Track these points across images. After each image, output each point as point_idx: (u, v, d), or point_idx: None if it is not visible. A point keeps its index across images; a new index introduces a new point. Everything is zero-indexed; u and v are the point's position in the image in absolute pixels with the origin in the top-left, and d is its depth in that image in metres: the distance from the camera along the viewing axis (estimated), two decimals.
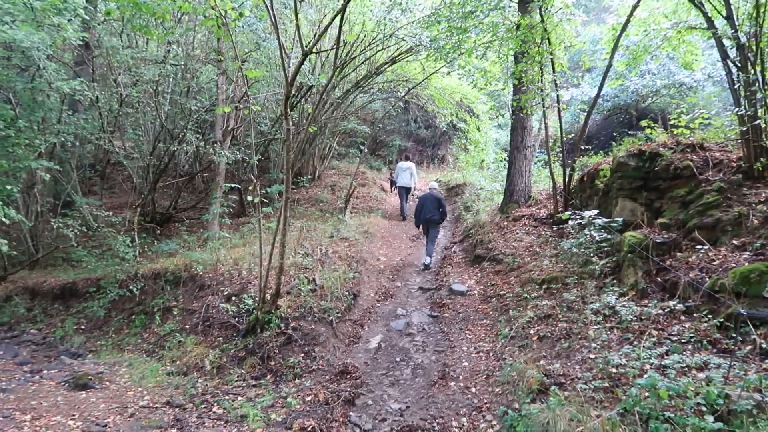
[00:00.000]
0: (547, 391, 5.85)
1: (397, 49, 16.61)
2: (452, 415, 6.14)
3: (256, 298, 8.61)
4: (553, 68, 11.65)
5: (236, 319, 8.64)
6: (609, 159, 11.18)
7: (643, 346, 6.01)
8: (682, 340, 6.01)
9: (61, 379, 7.64)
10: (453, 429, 5.85)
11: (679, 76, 19.60)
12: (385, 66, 17.22)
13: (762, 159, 7.59)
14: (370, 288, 10.27)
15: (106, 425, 6.02)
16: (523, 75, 11.97)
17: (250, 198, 8.28)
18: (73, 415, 6.22)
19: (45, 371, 8.06)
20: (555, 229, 11.45)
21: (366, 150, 21.73)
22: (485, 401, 6.34)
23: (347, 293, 9.41)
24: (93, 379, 7.49)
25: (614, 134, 15.89)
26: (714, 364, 5.40)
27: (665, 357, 5.72)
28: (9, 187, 10.41)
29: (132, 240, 12.50)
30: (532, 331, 7.49)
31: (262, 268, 8.27)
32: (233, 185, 14.28)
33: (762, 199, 7.27)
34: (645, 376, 5.26)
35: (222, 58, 13.55)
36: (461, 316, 8.96)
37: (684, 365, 5.47)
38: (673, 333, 6.15)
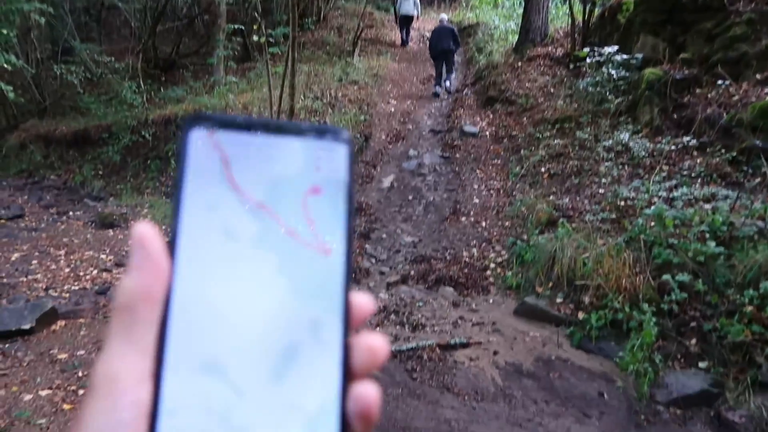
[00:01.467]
0: (556, 224, 6.06)
1: None
2: (463, 246, 6.43)
3: None
4: None
5: None
6: None
7: (653, 181, 6.10)
8: (693, 175, 6.08)
9: (87, 219, 7.98)
10: (464, 258, 6.16)
11: None
12: None
13: None
14: (381, 130, 10.24)
15: None
16: None
17: (255, 38, 7.99)
18: (104, 250, 6.58)
19: (71, 213, 8.40)
20: (571, 68, 11.07)
21: None
22: (495, 234, 6.61)
23: (359, 136, 9.41)
24: (117, 219, 7.81)
25: None
26: (721, 195, 5.51)
27: (674, 190, 5.82)
28: (5, 32, 10.05)
29: (138, 86, 12.30)
30: (543, 169, 7.58)
31: (272, 112, 8.20)
32: (236, 26, 13.67)
33: None
34: (652, 207, 5.41)
35: None
36: (472, 157, 9.02)
37: (692, 197, 5.59)
38: (684, 168, 6.20)
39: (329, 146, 0.34)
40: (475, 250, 6.31)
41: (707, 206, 5.37)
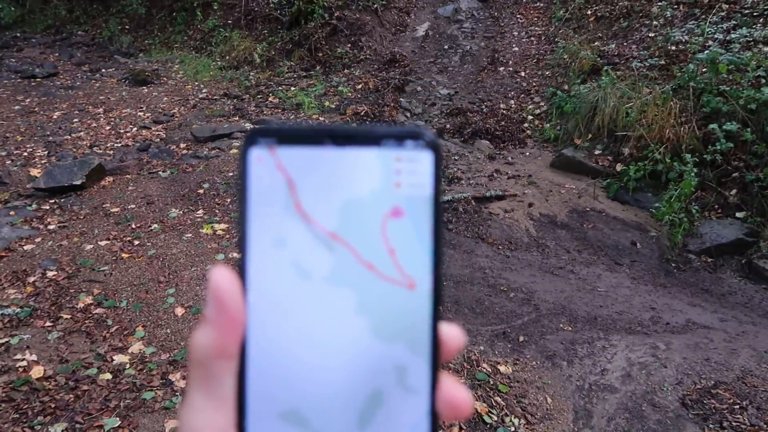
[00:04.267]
0: (599, 72, 5.78)
1: None
2: (500, 98, 6.26)
3: None
4: None
5: (278, 11, 8.39)
6: None
7: (710, 21, 5.65)
8: (755, 13, 5.59)
9: (120, 76, 7.97)
10: (501, 110, 6.02)
11: None
12: None
13: None
14: None
15: (173, 115, 6.45)
16: None
17: None
18: (141, 107, 6.65)
19: (103, 69, 8.38)
20: None
21: None
22: (534, 84, 6.37)
23: None
24: (150, 75, 7.78)
25: None
26: None
27: (732, 31, 5.40)
28: None
29: None
30: (589, 12, 7.07)
31: None
32: None
33: None
34: (706, 51, 5.06)
35: None
36: (513, 0, 8.45)
37: (751, 39, 5.18)
38: (746, 5, 5.68)
39: (411, 155, 0.29)
40: (512, 102, 6.15)
41: (767, 49, 4.99)
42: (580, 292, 3.57)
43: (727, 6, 5.79)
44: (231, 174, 4.89)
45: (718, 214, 4.35)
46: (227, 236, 3.98)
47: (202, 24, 9.25)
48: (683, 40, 5.53)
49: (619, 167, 4.87)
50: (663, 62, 5.42)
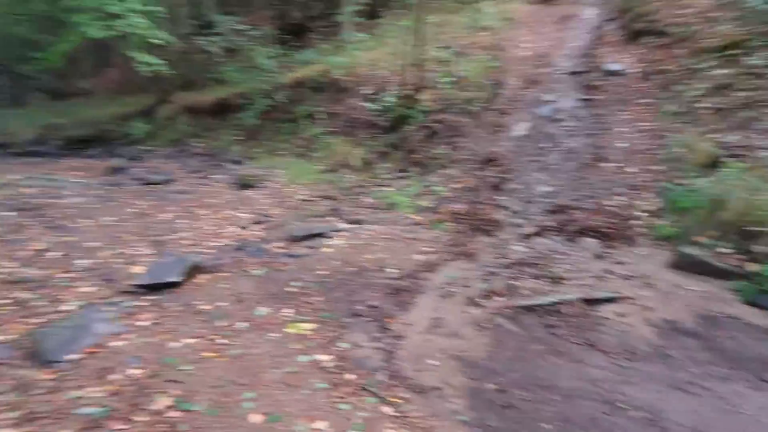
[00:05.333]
0: (718, 164, 5.29)
1: None
2: (606, 194, 5.85)
3: (397, 95, 8.48)
4: None
5: (379, 116, 8.67)
6: None
7: None
8: None
9: (228, 181, 8.43)
10: (607, 207, 5.60)
11: None
12: None
13: None
14: (513, 76, 9.63)
15: (272, 216, 6.61)
16: None
17: None
18: (243, 209, 6.89)
19: (214, 176, 8.93)
20: None
21: None
22: (643, 180, 5.93)
23: (489, 82, 8.93)
24: (255, 180, 8.16)
25: None
26: None
27: None
28: (156, 9, 10.84)
29: (271, 52, 12.69)
30: (703, 105, 6.64)
31: (401, 64, 8.01)
32: None
33: None
34: None
35: None
36: (616, 98, 8.18)
37: None
38: None
39: None
40: (620, 198, 5.72)
41: None
42: (719, 413, 2.96)
43: None
44: (321, 272, 4.80)
45: None
46: (313, 336, 3.80)
47: (306, 132, 9.75)
48: None
49: (752, 267, 4.24)
50: None
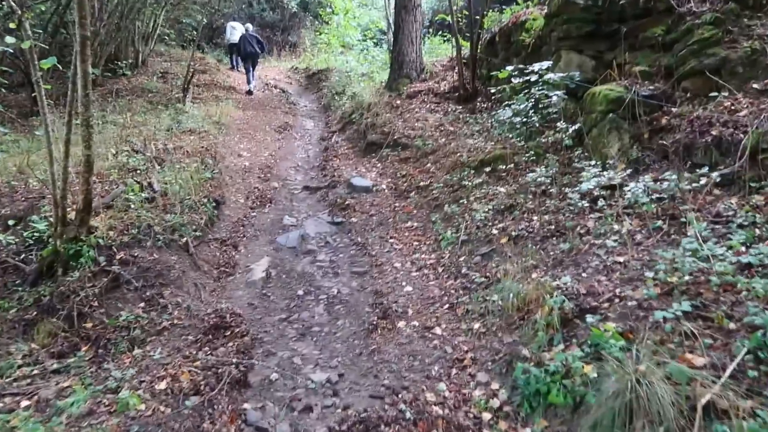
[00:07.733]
0: (573, 322, 3.58)
1: None
2: (420, 380, 3.64)
3: (52, 219, 5.22)
4: None
5: (20, 256, 5.22)
6: (532, 9, 8.87)
7: (698, 236, 3.89)
8: (744, 223, 4.00)
9: None
10: (433, 407, 3.35)
11: None
12: None
13: None
14: (237, 192, 7.22)
15: None
16: None
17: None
18: None
19: None
20: (464, 103, 9.16)
21: (198, 37, 17.28)
22: (464, 348, 3.93)
23: (206, 200, 6.31)
24: None
25: None
26: None
27: (747, 250, 3.65)
28: None
29: None
30: (494, 231, 5.14)
31: (57, 169, 4.92)
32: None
33: None
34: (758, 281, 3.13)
35: None
36: (375, 220, 6.39)
37: None
38: (728, 214, 4.11)
39: None
40: (443, 385, 3.56)
41: None
42: None
43: (697, 215, 4.18)
44: None
45: None
46: None
47: None
48: (678, 265, 3.62)
49: None
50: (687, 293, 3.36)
